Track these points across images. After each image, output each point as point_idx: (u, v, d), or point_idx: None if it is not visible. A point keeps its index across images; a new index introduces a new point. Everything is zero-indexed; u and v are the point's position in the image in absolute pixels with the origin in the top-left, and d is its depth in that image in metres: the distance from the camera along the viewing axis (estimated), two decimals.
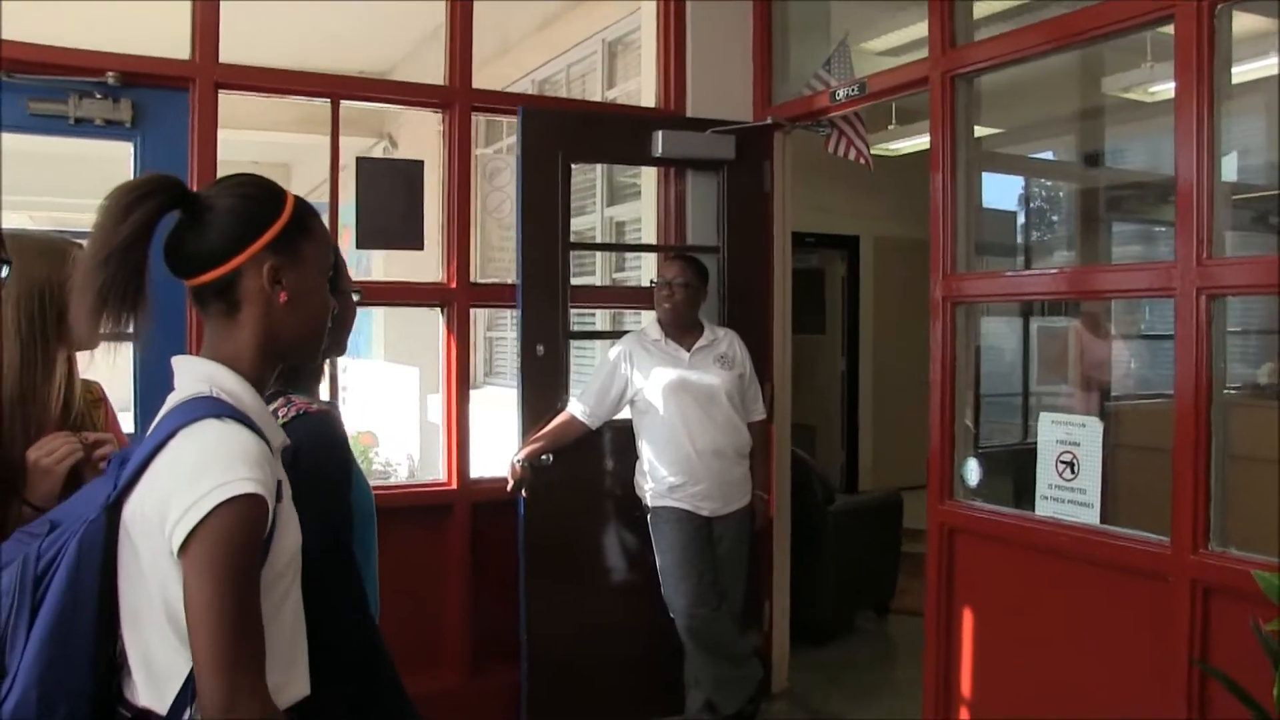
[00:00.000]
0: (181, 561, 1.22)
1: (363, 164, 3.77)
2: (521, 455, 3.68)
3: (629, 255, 5.45)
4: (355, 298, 2.08)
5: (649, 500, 3.67)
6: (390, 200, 3.72)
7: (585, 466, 3.85)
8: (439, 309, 3.85)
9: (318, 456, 1.63)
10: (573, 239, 3.93)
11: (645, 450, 3.68)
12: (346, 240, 3.84)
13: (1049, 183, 7.53)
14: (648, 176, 4.49)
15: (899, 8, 4.62)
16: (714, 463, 3.61)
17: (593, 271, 5.75)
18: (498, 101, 4.05)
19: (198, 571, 1.20)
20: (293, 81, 3.69)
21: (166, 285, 1.38)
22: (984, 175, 6.70)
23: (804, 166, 4.85)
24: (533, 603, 3.74)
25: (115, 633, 1.30)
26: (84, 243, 1.94)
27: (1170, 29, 2.69)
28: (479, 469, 3.85)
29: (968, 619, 3.28)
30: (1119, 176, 6.38)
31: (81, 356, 1.96)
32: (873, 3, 4.87)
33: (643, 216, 4.76)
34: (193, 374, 1.36)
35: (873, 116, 5.73)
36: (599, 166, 5.55)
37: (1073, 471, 2.95)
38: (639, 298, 4.18)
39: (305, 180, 9.72)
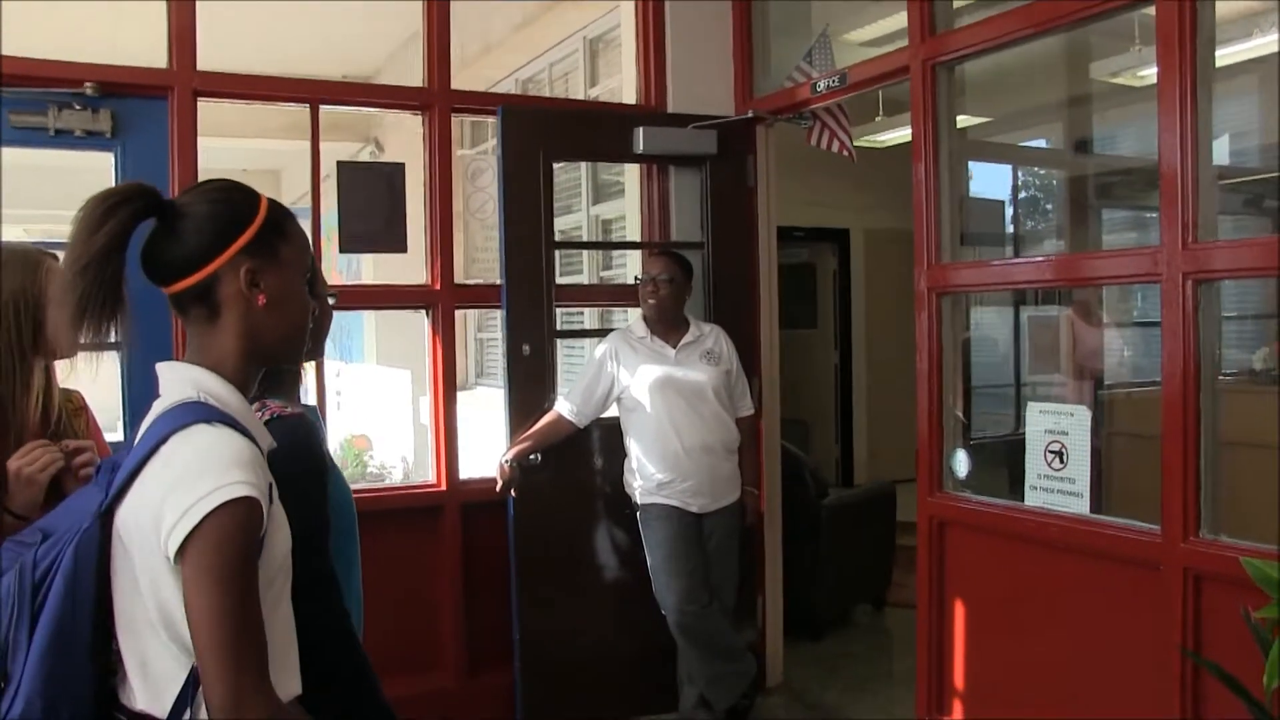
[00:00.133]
0: (179, 567, 1.22)
1: (343, 168, 3.75)
2: (509, 455, 3.66)
3: (616, 253, 5.44)
4: (331, 301, 2.06)
5: (638, 498, 3.65)
6: (372, 204, 3.70)
7: (574, 465, 3.84)
8: (424, 311, 3.83)
9: (290, 461, 1.61)
10: (558, 238, 3.92)
11: (633, 448, 3.66)
12: (332, 245, 3.82)
13: (1041, 171, 7.52)
14: (631, 174, 4.47)
15: None
16: (702, 459, 3.59)
17: (580, 270, 5.74)
18: (477, 102, 4.03)
19: (197, 576, 1.21)
20: (271, 87, 3.68)
21: (151, 293, 1.38)
22: (973, 165, 6.74)
23: (792, 160, 4.83)
24: (525, 602, 3.73)
25: (111, 638, 1.31)
26: (59, 253, 1.95)
27: (1153, 10, 2.66)
28: (473, 470, 3.84)
29: (959, 611, 3.27)
30: (1109, 163, 6.36)
31: (61, 366, 1.96)
32: None
33: (627, 214, 4.74)
34: (179, 380, 1.36)
35: (860, 108, 5.73)
36: (584, 165, 5.53)
37: (1061, 461, 2.93)
38: (626, 295, 4.16)
39: (294, 186, 9.71)
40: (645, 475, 3.62)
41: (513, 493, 3.68)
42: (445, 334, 3.79)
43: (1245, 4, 4.21)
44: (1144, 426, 2.76)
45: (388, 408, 8.25)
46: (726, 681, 3.62)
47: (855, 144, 4.11)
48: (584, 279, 5.67)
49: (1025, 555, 3.04)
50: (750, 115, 4.09)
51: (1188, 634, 2.54)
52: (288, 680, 1.34)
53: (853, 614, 5.23)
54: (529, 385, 3.78)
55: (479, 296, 4.07)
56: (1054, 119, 6.50)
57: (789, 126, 4.20)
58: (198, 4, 3.44)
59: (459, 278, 3.91)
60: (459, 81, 3.81)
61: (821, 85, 3.78)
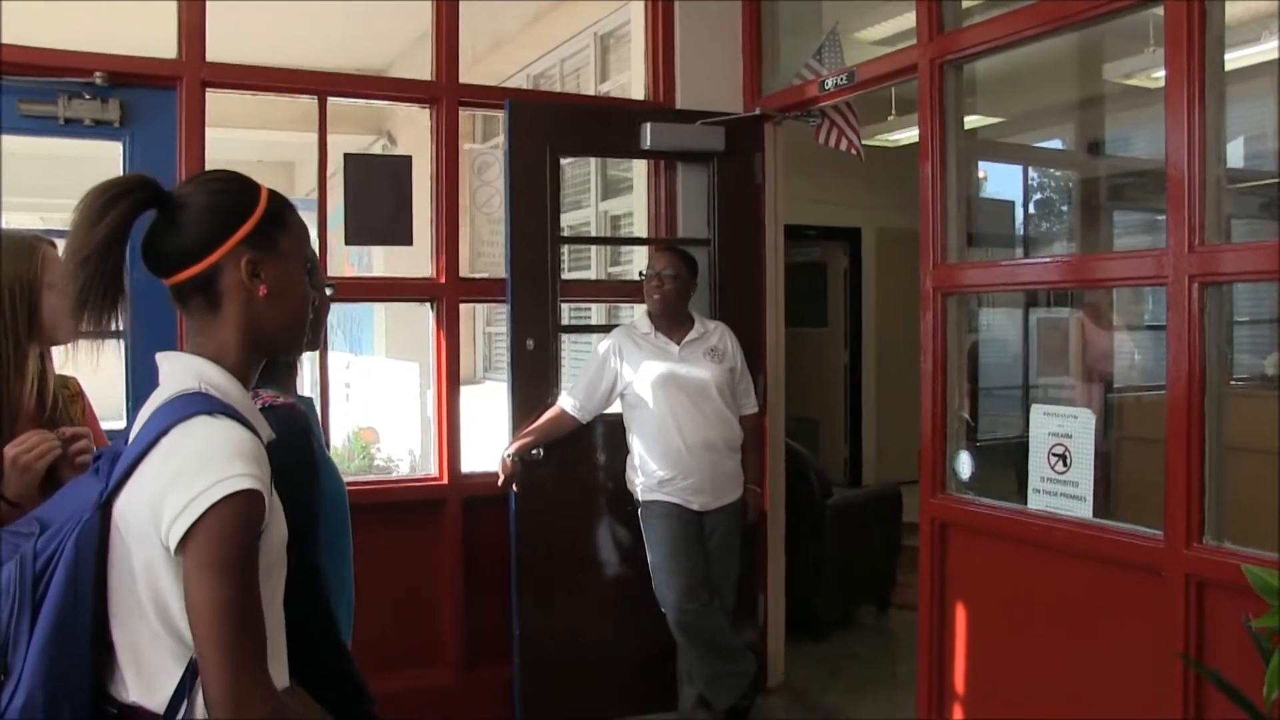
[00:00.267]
0: (180, 559, 1.22)
1: (350, 161, 3.75)
2: (512, 450, 3.66)
3: (624, 249, 5.42)
4: (329, 292, 2.06)
5: (639, 494, 3.64)
6: (378, 197, 3.71)
7: (577, 461, 3.83)
8: (429, 304, 3.83)
9: (282, 452, 1.61)
10: (567, 233, 3.92)
11: (635, 444, 3.66)
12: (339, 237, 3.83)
13: (1054, 172, 7.46)
14: (640, 170, 4.46)
15: None
16: (704, 456, 3.58)
17: (588, 266, 5.73)
18: (484, 96, 4.02)
19: (199, 570, 1.21)
20: (279, 79, 3.69)
21: (157, 282, 1.38)
22: (985, 165, 6.69)
23: (804, 158, 4.81)
24: (525, 598, 3.73)
25: (108, 631, 1.30)
26: (55, 240, 1.95)
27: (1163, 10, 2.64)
28: (480, 464, 3.83)
29: (960, 613, 3.25)
30: (1121, 165, 6.31)
31: (58, 352, 1.96)
32: None
33: (635, 210, 4.73)
34: (179, 370, 1.36)
35: (874, 107, 5.71)
36: (593, 160, 5.52)
37: (1065, 464, 2.91)
38: (632, 291, 4.15)
39: (308, 178, 9.72)
40: (647, 472, 3.61)
41: (514, 487, 3.67)
42: (449, 327, 3.79)
43: (1262, 4, 4.16)
44: (1153, 431, 2.73)
45: (396, 400, 8.26)
46: (726, 681, 3.61)
47: (867, 143, 4.10)
48: (591, 274, 5.67)
49: (1027, 559, 3.02)
50: (758, 112, 4.07)
51: (1189, 641, 2.52)
52: (277, 672, 1.34)
53: (857, 615, 5.21)
54: (532, 380, 3.78)
55: (484, 290, 4.07)
56: (1067, 120, 6.46)
57: (798, 124, 4.18)
58: (208, 2, 3.45)
59: (464, 271, 3.90)
60: (471, 76, 3.81)
61: (829, 83, 3.76)
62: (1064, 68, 5.54)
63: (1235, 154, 4.78)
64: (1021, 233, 6.96)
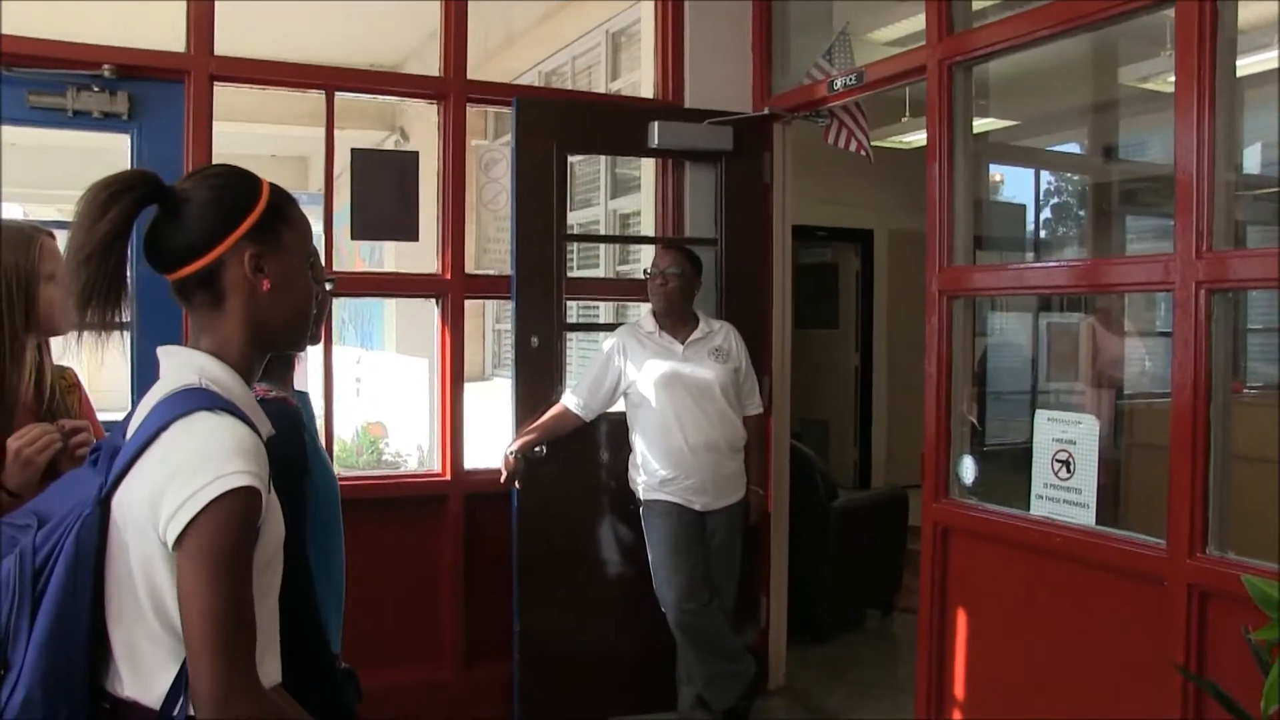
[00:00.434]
0: (176, 556, 1.21)
1: (357, 155, 3.76)
2: (515, 447, 3.66)
3: (633, 247, 5.41)
4: (329, 287, 2.06)
5: (641, 493, 3.64)
6: (385, 192, 3.71)
7: (580, 459, 3.83)
8: (434, 300, 3.82)
9: (269, 447, 1.60)
10: (577, 231, 3.91)
11: (638, 443, 3.65)
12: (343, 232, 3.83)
13: (1069, 176, 7.40)
14: (648, 169, 4.45)
15: None
16: (706, 457, 3.57)
17: (597, 264, 5.72)
18: (492, 93, 4.01)
19: (194, 566, 1.20)
20: (286, 73, 3.69)
21: (160, 276, 1.38)
22: (997, 168, 6.65)
23: (816, 159, 4.78)
24: (525, 595, 3.73)
25: (103, 626, 1.30)
26: (53, 231, 1.96)
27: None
28: (485, 461, 3.82)
29: (961, 619, 3.22)
30: (1135, 169, 6.25)
31: (56, 343, 1.96)
32: None
33: (643, 209, 4.72)
34: (182, 365, 1.36)
35: (887, 109, 5.68)
36: (603, 159, 5.51)
37: (1069, 471, 2.88)
38: (638, 290, 4.13)
39: (322, 173, 9.73)
40: (649, 471, 3.60)
41: (517, 485, 3.67)
42: (454, 323, 3.79)
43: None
44: (1164, 438, 2.71)
45: (406, 395, 8.28)
46: (724, 682, 3.60)
47: (880, 145, 4.09)
48: (600, 272, 5.66)
49: (1029, 565, 2.99)
50: (767, 112, 4.05)
51: (1190, 651, 2.49)
52: (270, 666, 1.34)
53: (861, 618, 5.19)
54: (537, 377, 3.78)
55: (489, 287, 4.06)
56: (1081, 124, 6.40)
57: (807, 125, 4.16)
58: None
59: (470, 268, 3.90)
60: (483, 72, 3.81)
61: (838, 83, 3.74)
62: (1079, 71, 5.49)
63: (1252, 160, 4.72)
64: (1032, 236, 6.91)
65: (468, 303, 3.88)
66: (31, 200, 8.53)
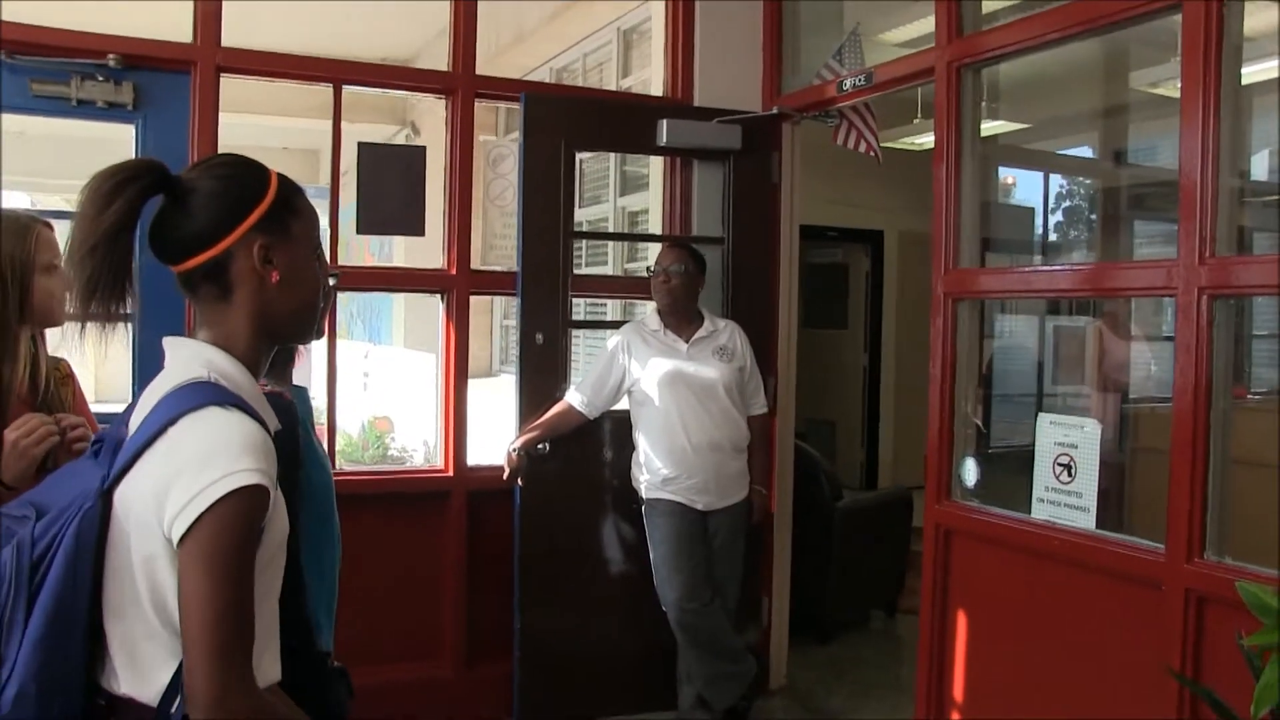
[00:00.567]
0: (179, 552, 1.20)
1: (364, 150, 3.76)
2: (518, 444, 3.65)
3: (641, 245, 5.42)
4: (332, 282, 2.06)
5: (643, 492, 3.64)
6: (391, 186, 3.71)
7: (583, 457, 3.82)
8: (440, 296, 3.83)
9: None
10: (586, 228, 3.90)
11: (641, 442, 3.65)
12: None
13: (1081, 180, 7.37)
14: (657, 166, 4.45)
15: None
16: (709, 456, 3.57)
17: (605, 261, 5.73)
18: (501, 88, 4.00)
19: (197, 564, 1.18)
20: (294, 66, 3.68)
21: (163, 267, 1.36)
22: (1008, 171, 6.62)
23: (826, 160, 4.77)
24: (527, 593, 3.73)
25: (100, 621, 1.28)
26: (50, 221, 1.95)
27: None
28: (489, 457, 3.82)
29: (962, 620, 3.22)
30: (1144, 174, 6.23)
31: (52, 334, 1.96)
32: None
33: (651, 207, 4.73)
34: (188, 357, 1.33)
35: (899, 110, 5.66)
36: (612, 156, 5.52)
37: (1070, 474, 2.88)
38: (643, 287, 4.14)
39: None
40: (651, 470, 3.60)
41: (519, 482, 3.67)
42: (459, 319, 3.79)
43: None
44: (1167, 443, 2.71)
45: (413, 391, 8.30)
46: (725, 681, 3.60)
47: (891, 146, 4.08)
48: (609, 270, 5.66)
49: (1030, 568, 2.99)
50: (776, 112, 4.05)
51: (1186, 656, 2.48)
52: (270, 666, 1.33)
53: (865, 619, 5.18)
54: (541, 374, 3.78)
55: (495, 283, 4.06)
56: (1091, 128, 6.38)
57: (817, 125, 4.15)
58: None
59: (475, 264, 3.91)
60: (493, 68, 3.81)
61: (847, 84, 3.74)
62: (1090, 75, 5.47)
63: (1259, 167, 4.69)
64: (1041, 240, 6.89)
65: (476, 299, 3.88)
66: (39, 190, 8.55)
